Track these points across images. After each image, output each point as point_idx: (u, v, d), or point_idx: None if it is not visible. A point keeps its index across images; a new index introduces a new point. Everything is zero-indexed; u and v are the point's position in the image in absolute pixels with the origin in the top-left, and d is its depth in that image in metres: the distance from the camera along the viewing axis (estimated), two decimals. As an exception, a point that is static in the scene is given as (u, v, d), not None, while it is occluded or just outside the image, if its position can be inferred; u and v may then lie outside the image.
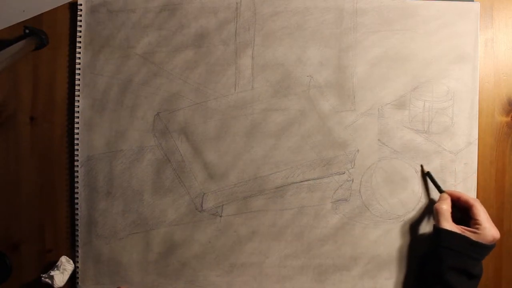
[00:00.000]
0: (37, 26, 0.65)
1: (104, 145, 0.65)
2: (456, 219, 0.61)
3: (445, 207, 0.61)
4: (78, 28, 0.65)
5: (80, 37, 0.65)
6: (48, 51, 0.66)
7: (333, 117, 0.66)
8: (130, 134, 0.65)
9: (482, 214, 0.60)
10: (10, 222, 0.66)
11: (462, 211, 0.62)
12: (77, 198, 0.66)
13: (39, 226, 0.67)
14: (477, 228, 0.59)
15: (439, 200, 0.63)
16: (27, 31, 0.64)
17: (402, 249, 0.66)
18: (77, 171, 0.65)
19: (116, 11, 0.65)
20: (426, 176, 0.65)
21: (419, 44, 0.65)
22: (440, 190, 0.64)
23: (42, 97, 0.66)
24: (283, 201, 0.66)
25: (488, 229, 0.59)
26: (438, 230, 0.61)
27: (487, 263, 0.67)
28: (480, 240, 0.58)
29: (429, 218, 0.66)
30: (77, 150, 0.65)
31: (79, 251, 0.66)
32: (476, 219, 0.60)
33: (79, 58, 0.65)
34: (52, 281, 0.63)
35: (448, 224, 0.60)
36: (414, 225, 0.66)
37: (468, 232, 0.59)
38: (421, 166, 0.65)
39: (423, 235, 0.66)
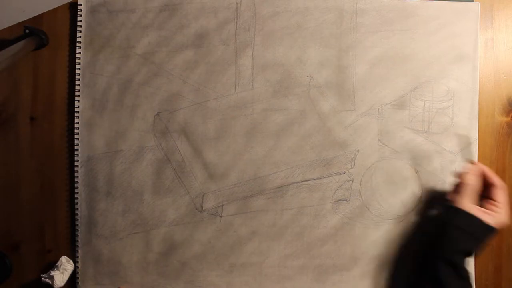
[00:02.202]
0: (37, 26, 0.65)
1: (104, 145, 0.65)
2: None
3: (474, 183, 0.58)
4: (78, 28, 0.65)
5: (80, 37, 0.65)
6: (48, 51, 0.66)
7: (333, 117, 0.66)
8: (130, 134, 0.65)
9: (504, 198, 0.58)
10: (10, 222, 0.66)
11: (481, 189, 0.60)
12: (77, 198, 0.66)
13: (39, 226, 0.67)
14: (494, 210, 0.57)
15: (468, 172, 0.59)
16: (27, 31, 0.64)
17: (402, 249, 0.66)
18: (77, 171, 0.65)
19: (116, 11, 0.65)
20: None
21: (419, 44, 0.65)
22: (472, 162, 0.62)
23: (42, 97, 0.66)
24: (283, 201, 0.66)
25: (503, 215, 0.57)
26: (454, 209, 0.57)
27: (487, 263, 0.67)
28: (493, 224, 0.56)
29: (427, 219, 0.65)
30: (77, 150, 0.65)
31: (79, 251, 0.66)
32: (495, 201, 0.58)
33: (79, 58, 0.65)
34: (52, 281, 0.63)
35: (467, 202, 0.57)
36: (414, 225, 0.66)
37: (481, 213, 0.56)
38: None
39: (424, 235, 0.65)
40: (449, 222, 0.57)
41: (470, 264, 0.65)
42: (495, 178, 0.59)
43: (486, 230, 0.56)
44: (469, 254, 0.57)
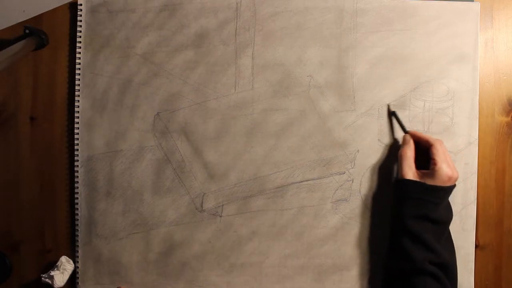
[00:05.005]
0: (37, 26, 0.65)
1: (104, 145, 0.65)
2: (422, 162, 0.60)
3: (409, 152, 0.60)
4: (78, 28, 0.65)
5: (80, 37, 0.65)
6: (48, 51, 0.66)
7: (333, 117, 0.66)
8: (130, 134, 0.65)
9: (440, 154, 0.58)
10: (10, 222, 0.66)
11: (426, 152, 0.61)
12: (77, 198, 0.66)
13: (39, 226, 0.67)
14: (432, 169, 0.58)
15: (402, 144, 0.62)
16: (27, 31, 0.64)
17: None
18: (77, 171, 0.65)
19: (116, 11, 0.65)
20: (391, 116, 0.65)
21: (419, 44, 0.65)
22: (405, 131, 0.63)
23: (42, 97, 0.66)
24: (283, 201, 0.66)
25: (443, 169, 0.57)
26: (395, 181, 0.60)
27: (487, 263, 0.67)
28: (435, 183, 0.57)
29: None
30: (77, 150, 0.65)
31: (79, 251, 0.66)
32: (433, 159, 0.58)
33: (79, 58, 0.65)
34: (52, 281, 0.63)
35: (410, 170, 0.59)
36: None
37: (425, 177, 0.58)
38: (388, 105, 0.65)
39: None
40: (394, 193, 0.61)
41: (470, 264, 0.65)
42: (428, 138, 0.60)
43: (429, 190, 0.57)
44: (427, 218, 0.57)
